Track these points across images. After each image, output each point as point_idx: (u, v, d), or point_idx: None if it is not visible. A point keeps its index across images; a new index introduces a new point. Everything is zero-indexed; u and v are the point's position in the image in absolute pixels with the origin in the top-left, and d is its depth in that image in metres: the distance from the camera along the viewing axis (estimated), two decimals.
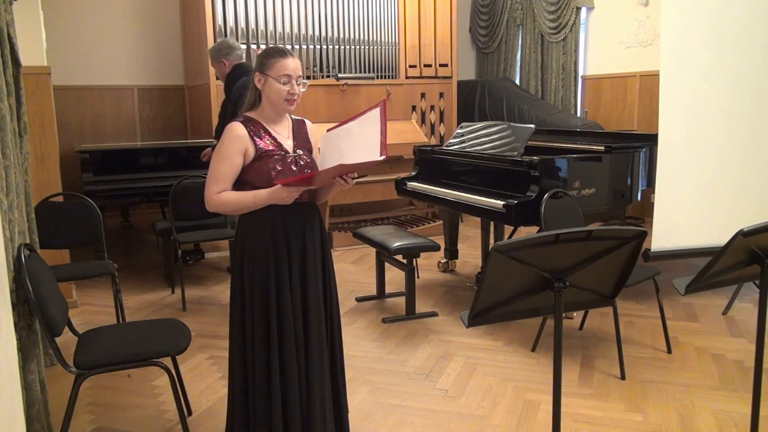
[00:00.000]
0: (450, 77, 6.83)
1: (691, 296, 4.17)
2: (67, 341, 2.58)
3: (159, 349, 2.43)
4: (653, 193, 3.52)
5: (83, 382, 2.32)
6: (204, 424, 2.73)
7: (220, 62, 4.05)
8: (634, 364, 3.24)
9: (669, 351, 3.39)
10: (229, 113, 3.76)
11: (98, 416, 2.79)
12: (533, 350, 3.43)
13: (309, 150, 2.30)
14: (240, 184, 2.19)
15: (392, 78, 6.48)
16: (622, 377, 3.09)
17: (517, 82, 7.83)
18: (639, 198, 4.24)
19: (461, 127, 4.71)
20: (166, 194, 4.27)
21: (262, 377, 2.19)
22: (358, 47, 6.27)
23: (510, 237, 4.40)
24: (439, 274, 4.91)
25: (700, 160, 3.37)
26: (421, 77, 6.66)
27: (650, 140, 4.13)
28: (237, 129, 2.16)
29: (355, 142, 2.14)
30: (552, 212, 3.44)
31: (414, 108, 6.68)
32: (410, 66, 6.59)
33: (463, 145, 4.49)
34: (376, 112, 2.10)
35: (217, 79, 4.84)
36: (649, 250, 3.33)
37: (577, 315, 3.85)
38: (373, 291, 4.37)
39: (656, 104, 3.39)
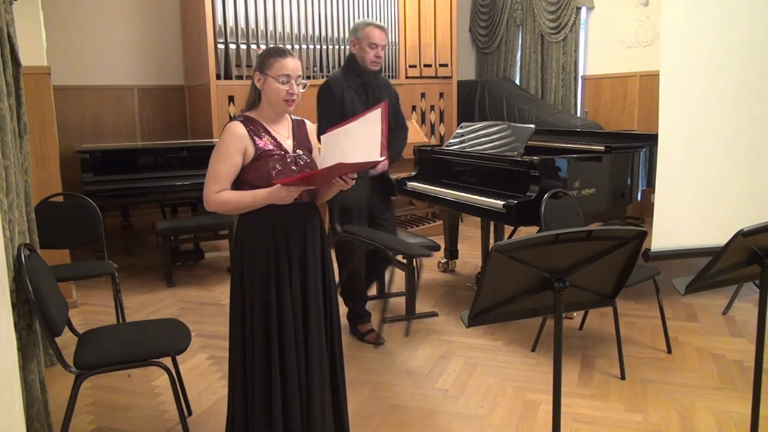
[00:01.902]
0: (450, 77, 6.83)
1: (691, 296, 4.17)
2: (67, 341, 2.58)
3: (159, 349, 2.43)
4: (653, 193, 3.51)
5: (83, 382, 2.32)
6: (204, 424, 2.73)
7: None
8: (634, 364, 3.24)
9: (669, 351, 3.39)
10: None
11: (98, 416, 2.79)
12: (533, 350, 3.43)
13: (309, 150, 2.30)
14: (239, 183, 2.18)
15: (392, 78, 6.46)
16: (622, 377, 3.09)
17: (517, 82, 7.82)
18: (639, 198, 4.25)
19: (461, 127, 4.71)
20: (166, 194, 4.26)
21: (262, 377, 2.19)
22: None
23: (510, 237, 4.40)
24: (439, 274, 4.91)
25: (700, 159, 3.36)
26: (421, 77, 6.66)
27: (650, 140, 4.12)
28: (236, 128, 2.16)
29: (355, 143, 2.14)
30: (552, 212, 3.44)
31: (414, 108, 6.68)
32: (410, 66, 6.58)
33: (463, 145, 4.49)
34: (377, 113, 2.09)
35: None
36: (649, 250, 3.33)
37: (577, 315, 3.85)
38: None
39: (656, 104, 3.39)
